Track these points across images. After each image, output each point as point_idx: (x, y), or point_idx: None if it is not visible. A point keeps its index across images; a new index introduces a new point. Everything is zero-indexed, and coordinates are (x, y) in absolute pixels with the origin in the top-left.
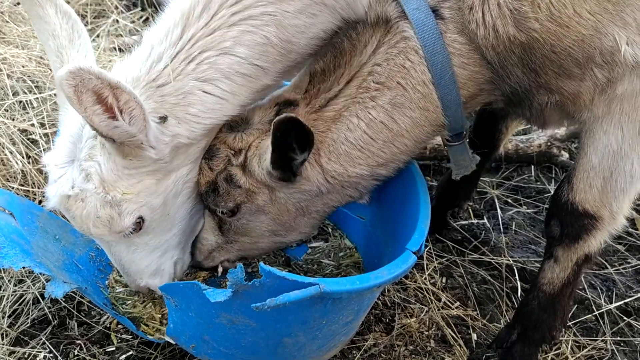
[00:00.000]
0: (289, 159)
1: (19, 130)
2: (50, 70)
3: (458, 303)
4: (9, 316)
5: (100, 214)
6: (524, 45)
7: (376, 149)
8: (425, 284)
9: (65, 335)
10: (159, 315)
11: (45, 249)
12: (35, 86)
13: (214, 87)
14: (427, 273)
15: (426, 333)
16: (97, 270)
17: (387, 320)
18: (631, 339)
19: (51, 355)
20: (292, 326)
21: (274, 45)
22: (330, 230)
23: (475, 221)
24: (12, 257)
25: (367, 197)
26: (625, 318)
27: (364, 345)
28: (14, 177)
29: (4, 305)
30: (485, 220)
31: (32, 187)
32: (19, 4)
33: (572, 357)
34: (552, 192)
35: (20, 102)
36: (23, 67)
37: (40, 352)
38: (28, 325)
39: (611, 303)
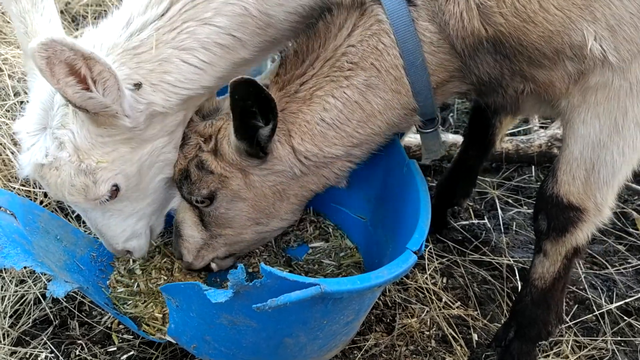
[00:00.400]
0: (252, 126)
1: None
2: None
3: (459, 303)
4: (11, 316)
5: (75, 182)
6: (491, 39)
7: (351, 129)
8: (426, 284)
9: (66, 336)
10: (160, 315)
11: (46, 249)
12: None
13: (192, 56)
14: (427, 273)
15: (427, 333)
16: (99, 270)
17: (388, 320)
18: (632, 339)
19: (52, 355)
20: (293, 326)
21: (252, 16)
22: (331, 230)
23: (475, 221)
24: (14, 257)
25: (344, 182)
26: (625, 318)
27: (364, 345)
28: (15, 178)
29: (6, 305)
30: (486, 221)
31: (34, 188)
32: None
33: (572, 357)
34: None
35: (22, 102)
36: (24, 67)
37: (42, 352)
38: (29, 325)
39: (612, 303)
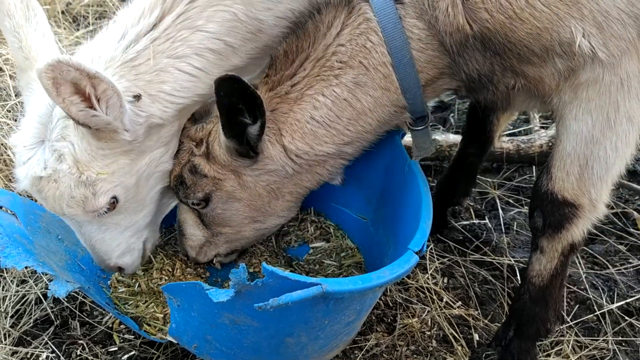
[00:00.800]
0: (240, 123)
1: None
2: None
3: (460, 303)
4: (12, 316)
5: (75, 194)
6: (478, 35)
7: (342, 127)
8: (427, 284)
9: (67, 336)
10: (162, 315)
11: (48, 249)
12: None
13: (186, 64)
14: (429, 273)
15: (428, 333)
16: (100, 270)
17: (389, 320)
18: (633, 339)
19: (54, 355)
20: (294, 326)
21: (241, 21)
22: (332, 230)
23: (476, 221)
24: (15, 257)
25: (339, 179)
26: (626, 318)
27: (365, 345)
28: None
29: (7, 305)
30: (487, 221)
31: None
32: None
33: (573, 357)
34: None
35: (22, 102)
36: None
37: (43, 352)
38: (30, 325)
39: (613, 303)
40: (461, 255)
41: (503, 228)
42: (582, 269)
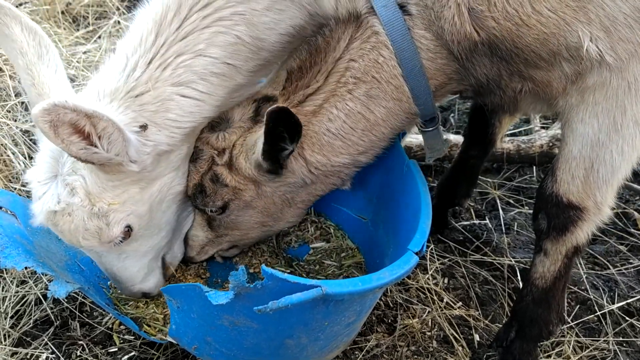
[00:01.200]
0: (279, 149)
1: (21, 131)
2: None
3: (460, 303)
4: (12, 317)
5: (89, 226)
6: (485, 42)
7: (356, 137)
8: (428, 284)
9: (67, 336)
10: (161, 316)
11: (47, 250)
12: None
13: (191, 89)
14: (429, 273)
15: (428, 333)
16: (100, 270)
17: (390, 321)
18: (633, 339)
19: (53, 356)
20: (294, 328)
21: (245, 43)
22: (332, 230)
23: (477, 222)
24: (15, 258)
25: (348, 183)
26: (627, 318)
27: (366, 345)
28: (17, 178)
29: (7, 306)
30: (487, 221)
31: None
32: (20, 5)
33: (574, 357)
34: None
35: (22, 103)
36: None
37: (43, 352)
38: (30, 326)
39: (613, 303)
40: (462, 256)
41: (503, 228)
42: (583, 270)
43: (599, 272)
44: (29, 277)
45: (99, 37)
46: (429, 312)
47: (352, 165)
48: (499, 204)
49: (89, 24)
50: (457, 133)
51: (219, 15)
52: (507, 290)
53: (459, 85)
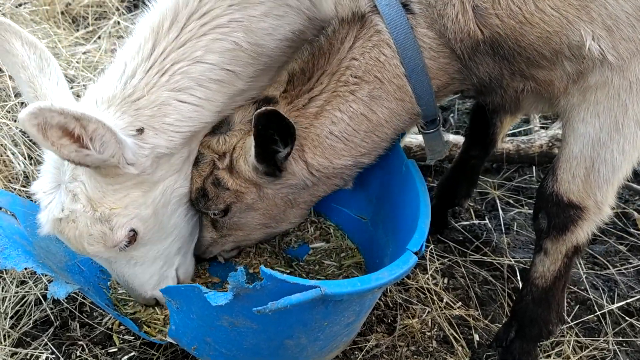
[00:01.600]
0: (272, 151)
1: (21, 131)
2: None
3: (460, 303)
4: (11, 317)
5: (92, 232)
6: (488, 40)
7: (359, 139)
8: (427, 285)
9: (67, 337)
10: (161, 317)
11: (47, 250)
12: None
13: (189, 95)
14: (429, 274)
15: (428, 334)
16: (99, 271)
17: (389, 321)
18: (633, 339)
19: (53, 356)
20: (293, 328)
21: (244, 49)
22: (331, 230)
23: (476, 222)
24: (15, 258)
25: (351, 183)
26: (627, 318)
27: (365, 346)
28: (16, 179)
29: (6, 306)
30: (487, 221)
31: None
32: (20, 5)
33: (574, 357)
34: None
35: (22, 103)
36: None
37: (43, 353)
38: (30, 326)
39: (613, 303)
40: (461, 256)
41: (503, 228)
42: (583, 269)
43: (599, 272)
44: (29, 278)
45: (99, 37)
46: (428, 312)
47: (354, 167)
48: (498, 204)
49: (88, 24)
50: (457, 133)
51: (216, 23)
52: (506, 290)
53: (460, 85)
